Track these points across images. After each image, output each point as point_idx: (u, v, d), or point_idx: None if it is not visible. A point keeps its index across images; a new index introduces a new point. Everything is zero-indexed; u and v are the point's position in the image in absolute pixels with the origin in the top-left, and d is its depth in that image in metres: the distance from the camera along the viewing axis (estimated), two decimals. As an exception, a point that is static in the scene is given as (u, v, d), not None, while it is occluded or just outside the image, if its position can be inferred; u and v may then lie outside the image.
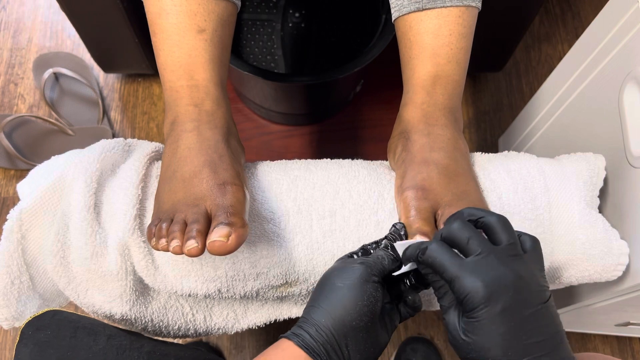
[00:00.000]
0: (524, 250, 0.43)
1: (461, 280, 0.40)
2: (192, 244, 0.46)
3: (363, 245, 0.51)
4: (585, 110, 0.79)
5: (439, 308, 0.67)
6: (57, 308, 0.53)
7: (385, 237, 0.52)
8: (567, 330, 1.07)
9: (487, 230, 0.43)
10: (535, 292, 0.40)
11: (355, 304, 0.43)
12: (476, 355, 0.40)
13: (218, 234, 0.46)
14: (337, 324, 0.42)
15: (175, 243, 0.47)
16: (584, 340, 1.08)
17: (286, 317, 0.66)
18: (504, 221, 0.43)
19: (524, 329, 0.39)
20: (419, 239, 0.51)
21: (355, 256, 0.49)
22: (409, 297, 0.49)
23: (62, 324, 0.50)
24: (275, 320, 0.67)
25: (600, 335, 1.10)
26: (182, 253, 0.47)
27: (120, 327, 0.57)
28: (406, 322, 1.11)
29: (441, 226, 0.52)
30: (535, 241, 0.44)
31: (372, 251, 0.50)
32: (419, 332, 1.10)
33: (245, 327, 0.69)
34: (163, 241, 0.48)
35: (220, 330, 0.66)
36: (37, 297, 0.58)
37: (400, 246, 0.47)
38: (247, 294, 0.59)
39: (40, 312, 0.51)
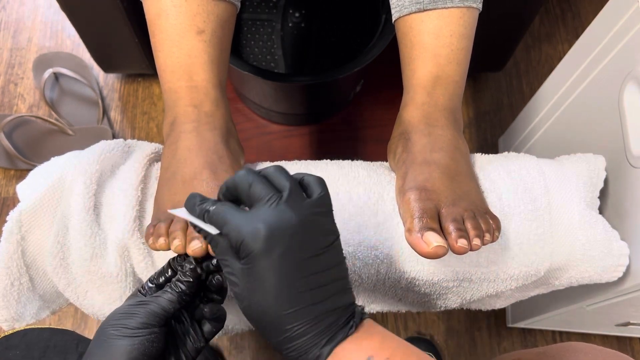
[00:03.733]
0: (310, 195, 0.40)
1: (240, 227, 0.37)
2: (196, 245, 0.45)
3: (151, 278, 0.46)
4: (585, 110, 0.79)
5: (439, 309, 0.67)
6: (29, 327, 0.53)
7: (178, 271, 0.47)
8: (567, 330, 1.08)
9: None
10: (317, 237, 0.38)
11: (126, 353, 0.40)
12: (247, 304, 0.39)
13: None
14: None
15: (177, 242, 0.46)
16: (584, 340, 1.08)
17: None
18: (280, 170, 0.40)
19: (299, 275, 0.37)
20: (429, 235, 0.50)
21: (151, 287, 0.46)
22: (206, 310, 0.46)
23: (32, 343, 0.50)
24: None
25: (600, 335, 1.10)
26: (184, 252, 0.47)
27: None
28: (406, 322, 1.11)
29: (445, 225, 0.51)
30: (321, 184, 0.41)
31: (162, 279, 0.46)
32: (419, 332, 1.10)
33: (245, 327, 0.69)
34: (162, 240, 0.48)
35: (221, 331, 0.66)
36: (37, 299, 0.58)
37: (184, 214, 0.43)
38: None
39: (11, 332, 0.51)
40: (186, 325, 0.46)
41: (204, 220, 0.40)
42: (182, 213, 0.42)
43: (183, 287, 0.44)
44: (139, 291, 0.45)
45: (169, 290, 0.44)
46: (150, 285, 0.46)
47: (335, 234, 0.40)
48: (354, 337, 0.38)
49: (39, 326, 0.53)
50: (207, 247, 0.46)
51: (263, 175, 0.40)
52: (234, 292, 0.39)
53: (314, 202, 0.39)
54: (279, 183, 0.39)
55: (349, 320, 0.39)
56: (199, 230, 0.41)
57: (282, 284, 0.37)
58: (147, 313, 0.42)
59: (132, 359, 0.40)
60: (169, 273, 0.46)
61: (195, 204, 0.41)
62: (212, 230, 0.40)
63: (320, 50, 1.04)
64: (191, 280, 0.44)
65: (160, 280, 0.46)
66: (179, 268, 0.46)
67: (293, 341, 0.38)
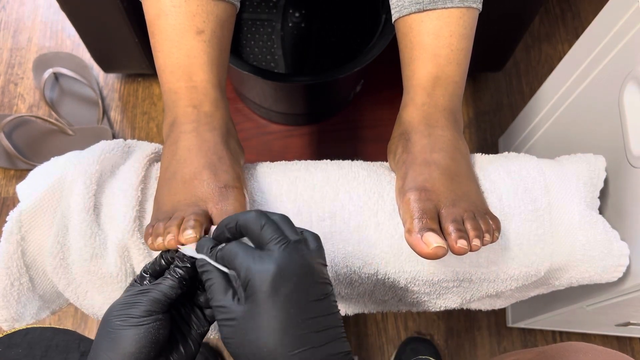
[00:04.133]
0: (308, 247, 0.42)
1: (250, 265, 0.39)
2: (189, 234, 0.45)
3: (145, 269, 0.47)
4: (585, 110, 0.79)
5: (439, 309, 0.67)
6: (30, 326, 0.53)
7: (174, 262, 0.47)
8: (567, 330, 1.08)
9: None
10: (319, 283, 0.40)
11: (134, 342, 0.40)
12: (243, 344, 0.39)
13: None
14: None
15: (170, 237, 0.46)
16: (584, 340, 1.08)
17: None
18: (287, 219, 0.43)
19: (304, 316, 0.38)
20: (429, 236, 0.50)
21: (145, 276, 0.46)
22: (201, 300, 0.47)
23: (34, 342, 0.50)
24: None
25: (600, 335, 1.10)
26: (177, 246, 0.46)
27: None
28: (406, 322, 1.11)
29: (445, 226, 0.51)
30: (317, 238, 0.43)
31: (158, 267, 0.47)
32: (419, 332, 1.10)
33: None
34: (160, 239, 0.48)
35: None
36: (36, 299, 0.58)
37: (188, 250, 0.45)
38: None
39: (12, 331, 0.51)
40: (188, 311, 0.46)
41: (215, 259, 0.42)
42: (190, 252, 0.44)
43: (182, 272, 0.44)
44: (135, 281, 0.46)
45: (169, 276, 0.44)
46: (145, 275, 0.46)
47: (331, 286, 0.42)
48: None
49: (41, 325, 0.53)
50: (200, 236, 0.46)
51: (272, 220, 0.42)
52: (230, 340, 0.39)
53: (315, 252, 0.41)
54: (286, 230, 0.41)
55: None
56: (202, 272, 0.43)
57: (288, 323, 0.38)
58: (149, 301, 0.42)
59: (141, 347, 0.40)
60: (163, 263, 0.46)
61: (207, 248, 0.43)
62: (222, 268, 0.42)
63: (320, 50, 1.04)
64: (189, 265, 0.45)
65: (156, 269, 0.46)
66: (172, 258, 0.46)
67: None
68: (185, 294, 0.46)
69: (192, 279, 0.45)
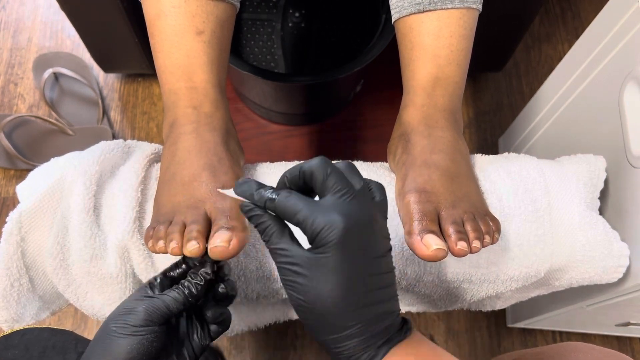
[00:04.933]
0: (373, 198, 0.41)
1: (316, 217, 0.37)
2: (193, 245, 0.46)
3: (165, 271, 0.48)
4: (585, 110, 0.79)
5: (439, 309, 0.67)
6: (28, 327, 0.53)
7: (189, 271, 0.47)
8: (567, 330, 1.08)
9: None
10: (384, 238, 0.40)
11: (126, 353, 0.40)
12: (309, 297, 0.38)
13: (219, 239, 0.46)
14: None
15: (173, 244, 0.46)
16: (584, 340, 1.08)
17: (287, 319, 0.66)
18: (352, 167, 0.41)
19: (369, 272, 0.38)
20: (429, 238, 0.50)
21: (154, 285, 0.46)
22: (209, 315, 0.47)
23: (31, 343, 0.50)
24: (276, 322, 0.67)
25: (600, 335, 1.10)
26: (180, 254, 0.47)
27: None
28: (406, 322, 1.11)
29: (445, 228, 0.51)
30: (382, 190, 0.42)
31: (172, 274, 0.47)
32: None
33: (245, 328, 0.69)
34: (161, 243, 0.48)
35: (221, 332, 0.66)
36: (36, 299, 0.58)
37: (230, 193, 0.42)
38: (249, 295, 0.59)
39: (10, 332, 0.51)
40: (193, 323, 0.46)
41: (264, 208, 0.40)
42: (233, 194, 0.42)
43: (192, 288, 0.44)
44: (150, 283, 0.46)
45: (177, 290, 0.44)
46: (163, 278, 0.46)
47: (389, 239, 0.41)
48: (408, 343, 0.39)
49: (38, 326, 0.53)
50: (204, 248, 0.46)
51: (338, 168, 0.40)
52: (292, 284, 0.38)
53: (379, 205, 0.40)
54: (352, 179, 0.40)
55: (402, 325, 0.40)
56: (250, 217, 0.40)
57: (354, 278, 0.37)
58: (150, 310, 0.42)
59: (132, 358, 0.40)
60: (183, 267, 0.47)
61: (252, 189, 0.40)
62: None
63: (320, 50, 1.04)
64: (201, 284, 0.45)
65: (176, 273, 0.47)
66: (193, 265, 0.47)
67: (351, 339, 0.38)
68: (194, 307, 0.46)
69: (198, 298, 0.45)
